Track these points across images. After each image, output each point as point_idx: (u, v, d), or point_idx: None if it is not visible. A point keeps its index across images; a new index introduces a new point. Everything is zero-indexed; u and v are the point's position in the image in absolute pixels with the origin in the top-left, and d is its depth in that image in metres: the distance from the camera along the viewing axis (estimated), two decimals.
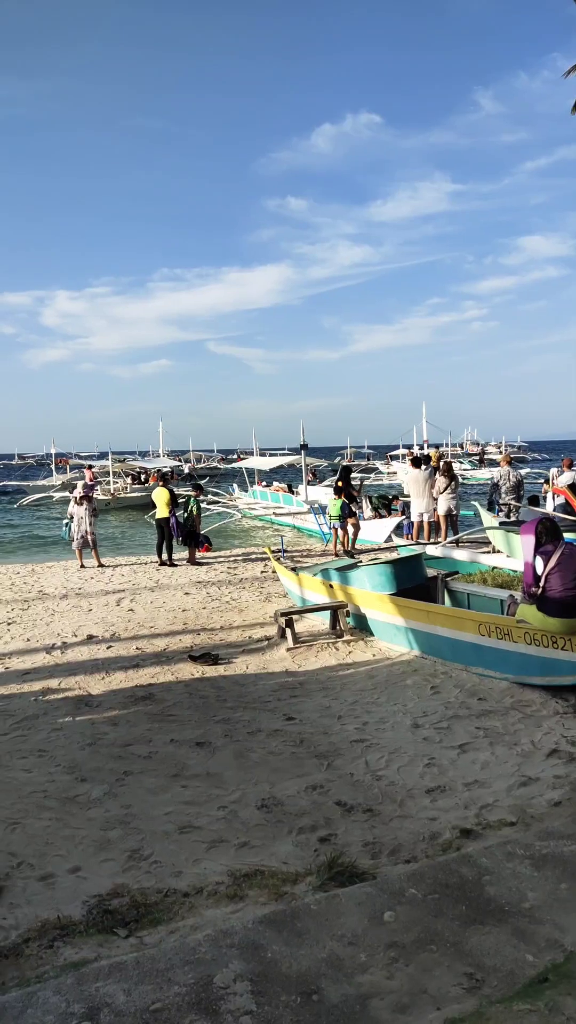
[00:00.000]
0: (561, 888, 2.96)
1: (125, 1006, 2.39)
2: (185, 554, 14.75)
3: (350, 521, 14.74)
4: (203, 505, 15.65)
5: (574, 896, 2.91)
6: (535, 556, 6.07)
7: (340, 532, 14.79)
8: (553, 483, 15.18)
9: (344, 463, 32.40)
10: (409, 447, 53.53)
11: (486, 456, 58.48)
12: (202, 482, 22.90)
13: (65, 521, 15.01)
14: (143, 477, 36.36)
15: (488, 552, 11.92)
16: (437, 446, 51.53)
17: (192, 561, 14.41)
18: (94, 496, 15.07)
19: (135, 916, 3.20)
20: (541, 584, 5.95)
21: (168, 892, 3.40)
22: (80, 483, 15.13)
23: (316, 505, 19.22)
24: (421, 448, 43.73)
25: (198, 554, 14.91)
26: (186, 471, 48.64)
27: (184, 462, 54.71)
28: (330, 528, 15.15)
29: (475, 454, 60.90)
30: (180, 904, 3.29)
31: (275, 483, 28.53)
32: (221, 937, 2.74)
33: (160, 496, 14.49)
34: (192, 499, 14.82)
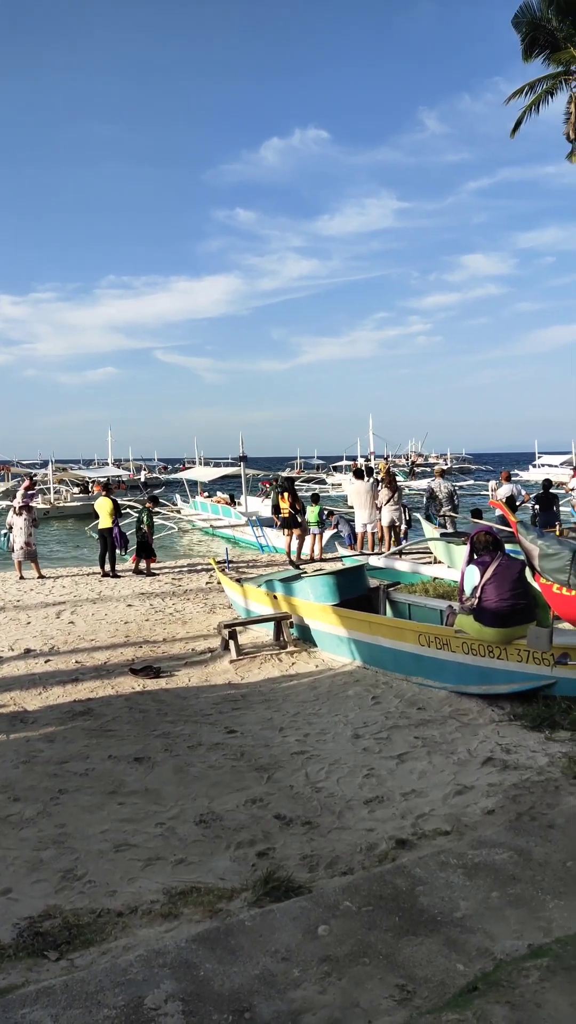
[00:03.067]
0: (492, 896, 3.01)
1: None
2: (128, 565, 14.58)
3: (295, 532, 14.79)
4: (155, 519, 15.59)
5: (505, 904, 2.96)
6: (469, 566, 6.20)
7: (317, 538, 15.10)
8: (493, 495, 15.54)
9: (286, 474, 32.54)
10: (353, 459, 54.00)
11: (417, 467, 59.00)
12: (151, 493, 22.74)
13: (3, 532, 14.67)
14: (89, 486, 35.83)
15: (429, 563, 12.11)
16: (385, 457, 52.08)
17: (147, 572, 14.28)
18: (34, 506, 14.78)
19: (67, 938, 3.13)
20: (477, 595, 6.08)
21: (101, 912, 3.34)
22: (19, 493, 14.82)
23: (254, 517, 19.31)
24: (367, 460, 44.18)
25: (142, 565, 14.76)
26: (143, 479, 48.15)
27: (138, 471, 54.24)
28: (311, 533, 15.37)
29: (407, 464, 61.02)
30: (113, 924, 3.23)
31: (218, 493, 28.45)
32: (153, 957, 2.70)
33: (103, 506, 14.29)
34: (145, 510, 14.71)
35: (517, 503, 15.03)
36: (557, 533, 11.66)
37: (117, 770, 5.08)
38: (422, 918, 2.88)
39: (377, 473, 16.71)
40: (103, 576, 14.02)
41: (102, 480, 30.14)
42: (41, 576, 14.08)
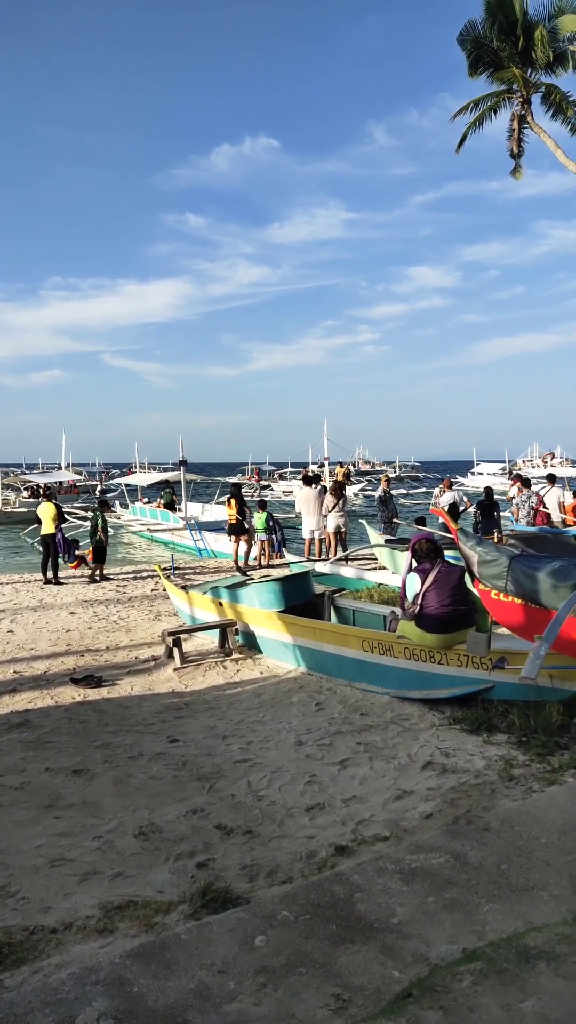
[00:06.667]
0: (428, 901, 3.03)
1: None
2: (71, 572, 14.34)
3: (242, 538, 14.75)
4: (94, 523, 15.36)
5: (440, 909, 2.98)
6: (411, 574, 6.28)
7: (265, 545, 15.03)
8: (435, 503, 15.81)
9: (234, 481, 32.55)
10: (302, 465, 54.11)
11: (352, 475, 59.41)
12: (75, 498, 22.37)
13: None
14: (40, 491, 35.16)
15: (374, 569, 12.22)
16: (340, 463, 52.22)
17: (100, 577, 14.09)
18: None
19: None
20: (419, 601, 6.15)
21: (35, 929, 3.25)
22: None
23: (192, 521, 19.39)
24: (321, 466, 44.30)
25: (76, 571, 14.57)
26: (99, 486, 47.46)
27: (92, 476, 53.48)
28: (258, 540, 15.28)
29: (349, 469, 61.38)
30: (47, 941, 3.15)
31: (158, 499, 28.32)
32: (86, 974, 2.64)
33: (46, 511, 14.03)
34: (98, 514, 14.54)
35: (460, 510, 15.31)
36: (496, 541, 11.91)
37: (54, 783, 4.97)
38: (359, 925, 2.88)
39: (334, 477, 16.84)
40: (45, 583, 13.75)
41: (46, 485, 29.58)
42: None
